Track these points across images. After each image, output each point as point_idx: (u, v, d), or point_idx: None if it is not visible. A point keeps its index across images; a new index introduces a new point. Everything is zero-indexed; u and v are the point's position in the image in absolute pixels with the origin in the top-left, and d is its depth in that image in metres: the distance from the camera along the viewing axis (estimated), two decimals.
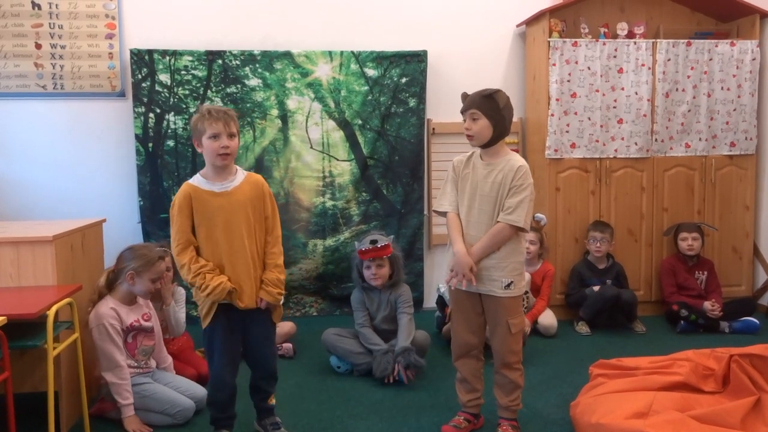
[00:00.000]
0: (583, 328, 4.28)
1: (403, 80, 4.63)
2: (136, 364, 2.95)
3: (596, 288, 4.30)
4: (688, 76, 4.53)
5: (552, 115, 4.44)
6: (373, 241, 3.52)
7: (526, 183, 2.60)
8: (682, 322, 4.21)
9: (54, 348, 2.48)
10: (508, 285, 2.64)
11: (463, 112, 2.67)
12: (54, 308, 2.46)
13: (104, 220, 3.47)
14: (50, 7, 4.38)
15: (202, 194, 2.55)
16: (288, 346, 3.85)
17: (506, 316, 2.66)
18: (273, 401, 2.81)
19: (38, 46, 4.39)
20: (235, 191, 2.58)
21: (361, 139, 4.63)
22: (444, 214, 2.79)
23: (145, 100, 4.40)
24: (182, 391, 2.99)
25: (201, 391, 3.04)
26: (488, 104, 2.60)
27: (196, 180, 2.60)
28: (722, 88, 4.57)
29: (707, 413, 2.41)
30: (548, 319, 4.20)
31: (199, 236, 2.55)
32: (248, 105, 4.48)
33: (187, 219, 2.53)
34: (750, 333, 4.14)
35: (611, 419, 2.43)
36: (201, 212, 2.53)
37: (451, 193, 2.77)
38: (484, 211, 2.65)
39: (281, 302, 2.75)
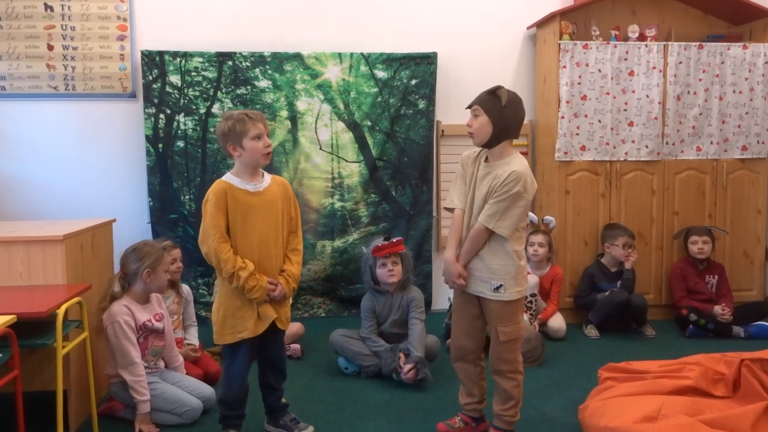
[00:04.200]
0: (592, 331, 4.25)
1: (413, 82, 4.63)
2: (145, 364, 2.95)
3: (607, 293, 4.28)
4: (700, 79, 4.51)
5: (562, 117, 4.43)
6: (387, 237, 3.53)
7: (513, 190, 2.46)
8: (691, 326, 4.18)
9: (63, 347, 2.50)
10: (498, 288, 2.55)
11: (468, 108, 2.63)
12: (63, 307, 2.48)
13: (114, 220, 3.48)
14: (62, 9, 4.42)
15: (238, 192, 2.58)
16: (296, 347, 3.85)
17: (496, 322, 2.59)
18: (284, 399, 2.84)
19: (50, 48, 4.43)
20: (267, 191, 2.64)
21: (370, 141, 4.63)
22: (453, 210, 2.71)
23: (156, 101, 4.43)
24: (190, 391, 3.00)
25: (209, 390, 3.05)
26: (490, 101, 2.53)
27: (229, 178, 2.63)
28: (734, 92, 4.54)
29: (717, 418, 2.39)
30: (557, 322, 4.18)
31: (233, 233, 2.57)
32: (258, 106, 4.49)
33: (222, 215, 2.55)
34: (764, 338, 4.10)
35: (620, 423, 2.42)
36: (236, 210, 2.57)
37: (460, 189, 2.68)
38: (476, 216, 2.58)
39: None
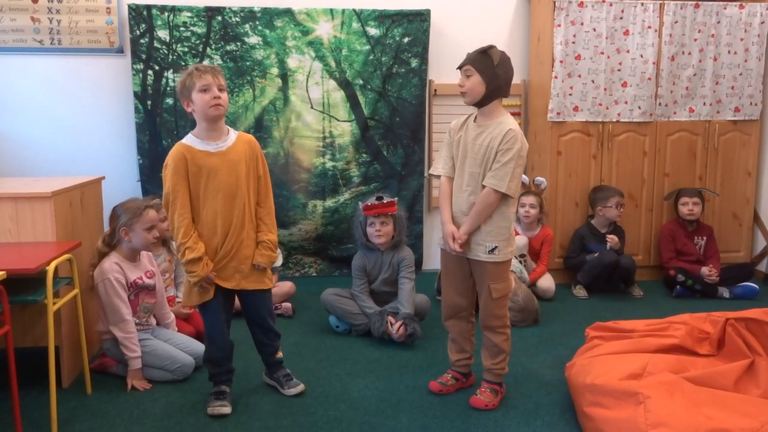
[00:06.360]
0: (580, 291, 4.30)
1: (406, 40, 4.56)
2: (137, 321, 2.97)
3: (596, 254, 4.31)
4: (695, 39, 4.46)
5: (555, 77, 4.39)
6: (379, 198, 3.53)
7: (514, 148, 2.50)
8: (678, 286, 4.23)
9: (54, 303, 2.50)
10: (492, 250, 2.59)
11: (459, 69, 2.63)
12: (53, 264, 2.47)
13: (103, 178, 3.45)
14: None
15: (197, 154, 2.53)
16: (287, 305, 3.88)
17: (488, 280, 2.63)
18: (280, 355, 2.86)
19: (35, 0, 4.31)
20: (230, 151, 2.57)
21: (362, 100, 4.58)
22: (439, 177, 2.75)
23: (144, 56, 4.34)
24: (182, 348, 3.02)
25: (200, 347, 3.06)
26: (482, 60, 2.54)
27: (189, 140, 2.57)
28: (729, 52, 4.51)
29: (701, 375, 2.43)
30: (546, 282, 4.22)
31: (196, 196, 2.54)
32: (248, 63, 4.42)
33: (182, 180, 2.52)
34: (749, 298, 4.17)
35: (606, 380, 2.46)
36: (198, 173, 2.52)
37: (446, 157, 2.72)
38: (472, 175, 2.60)
39: (279, 263, 2.77)
